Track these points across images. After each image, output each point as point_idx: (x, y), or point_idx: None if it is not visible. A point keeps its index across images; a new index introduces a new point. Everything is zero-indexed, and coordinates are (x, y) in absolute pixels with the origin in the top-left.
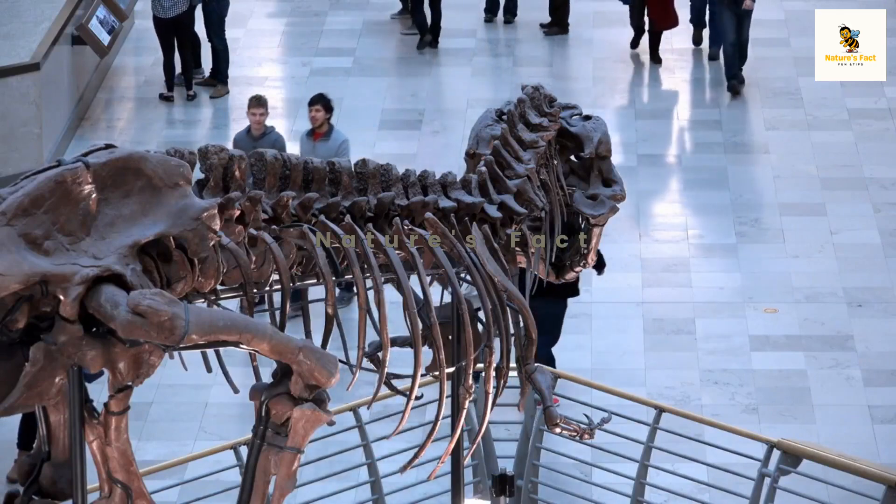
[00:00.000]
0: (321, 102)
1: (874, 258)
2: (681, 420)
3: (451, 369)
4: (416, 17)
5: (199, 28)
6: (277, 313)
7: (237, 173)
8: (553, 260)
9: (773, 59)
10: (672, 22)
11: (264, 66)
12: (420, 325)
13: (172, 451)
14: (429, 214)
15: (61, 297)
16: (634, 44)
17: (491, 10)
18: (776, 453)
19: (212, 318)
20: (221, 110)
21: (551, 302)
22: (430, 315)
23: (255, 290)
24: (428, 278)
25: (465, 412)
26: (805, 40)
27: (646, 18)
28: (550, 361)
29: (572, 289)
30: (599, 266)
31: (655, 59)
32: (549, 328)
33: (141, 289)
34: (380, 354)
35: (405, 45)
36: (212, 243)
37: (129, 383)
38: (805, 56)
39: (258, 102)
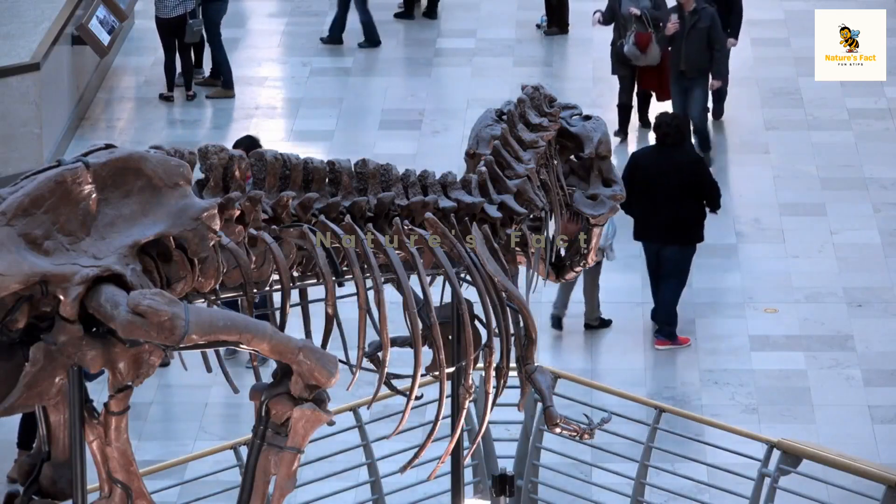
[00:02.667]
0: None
1: (874, 258)
2: (681, 420)
3: (451, 369)
4: None
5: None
6: (278, 313)
7: (237, 173)
8: (553, 260)
9: (773, 59)
10: (667, 95)
11: (264, 66)
12: (420, 325)
13: (172, 451)
14: (429, 214)
15: (61, 297)
16: (621, 132)
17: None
18: (776, 453)
19: (212, 318)
20: (221, 110)
21: (681, 248)
22: (430, 315)
23: (255, 290)
24: (428, 278)
25: (465, 412)
26: (805, 40)
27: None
28: (673, 313)
29: (699, 234)
30: (715, 203)
31: (645, 122)
32: (681, 273)
33: (141, 289)
34: (380, 354)
35: (405, 46)
36: (212, 243)
37: (129, 383)
38: (805, 56)
39: None
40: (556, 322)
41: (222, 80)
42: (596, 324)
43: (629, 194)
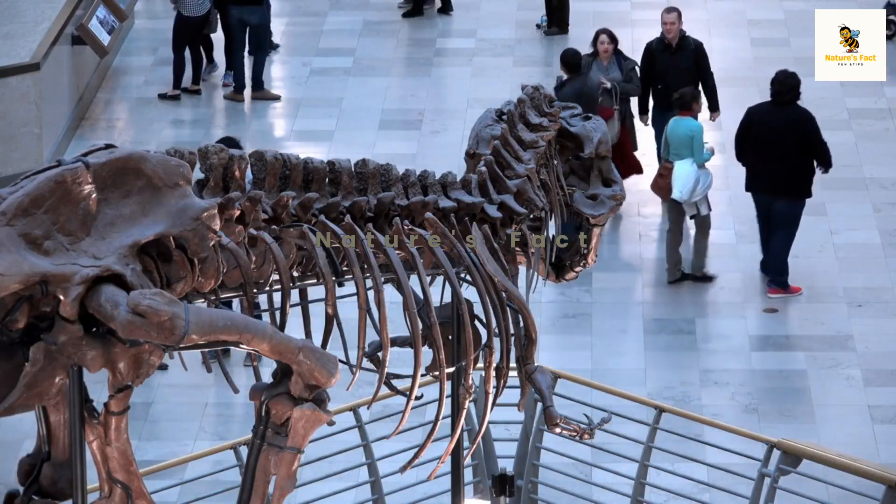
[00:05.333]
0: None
1: (874, 258)
2: (681, 420)
3: (451, 369)
4: None
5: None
6: (278, 313)
7: (237, 173)
8: (553, 260)
9: (773, 59)
10: (634, 169)
11: (264, 66)
12: (420, 325)
13: (172, 451)
14: (429, 214)
15: (61, 297)
16: None
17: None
18: (776, 453)
19: (212, 318)
20: (221, 110)
21: (791, 202)
22: (430, 315)
23: (254, 290)
24: (428, 278)
25: (465, 412)
26: (805, 40)
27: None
28: (784, 263)
29: (808, 189)
30: (826, 161)
31: None
32: (791, 225)
33: (141, 289)
34: (380, 354)
35: (405, 45)
36: (212, 243)
37: (129, 383)
38: (805, 56)
39: None
40: (678, 278)
41: (234, 85)
42: (699, 275)
43: (743, 147)
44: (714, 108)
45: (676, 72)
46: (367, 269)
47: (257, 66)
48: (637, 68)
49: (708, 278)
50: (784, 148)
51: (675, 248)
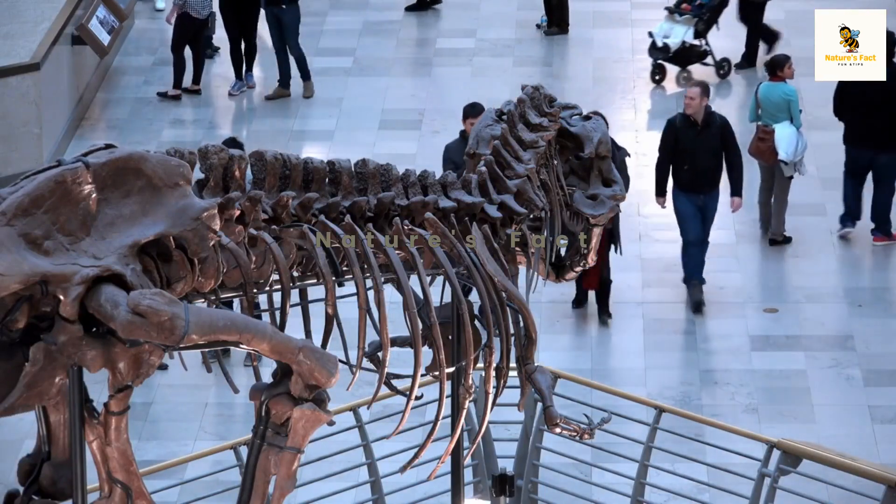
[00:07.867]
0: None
1: (874, 258)
2: (681, 420)
3: (451, 369)
4: None
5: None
6: (278, 313)
7: (237, 173)
8: (553, 260)
9: None
10: (590, 281)
11: (264, 66)
12: (420, 325)
13: (172, 451)
14: (429, 214)
15: (61, 297)
16: (579, 302)
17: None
18: (776, 453)
19: (212, 318)
20: (223, 110)
21: (894, 155)
22: (430, 315)
23: (254, 290)
24: (428, 278)
25: (465, 412)
26: (805, 40)
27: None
28: (889, 212)
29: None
30: None
31: (604, 314)
32: (891, 179)
33: (141, 289)
34: (380, 354)
35: (405, 45)
36: (212, 243)
37: (129, 383)
38: (805, 56)
39: None
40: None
41: (279, 79)
42: (780, 239)
43: (840, 105)
44: (737, 191)
45: (704, 152)
46: (367, 269)
47: (300, 60)
48: (627, 159)
49: (787, 239)
50: (880, 102)
51: (769, 211)
